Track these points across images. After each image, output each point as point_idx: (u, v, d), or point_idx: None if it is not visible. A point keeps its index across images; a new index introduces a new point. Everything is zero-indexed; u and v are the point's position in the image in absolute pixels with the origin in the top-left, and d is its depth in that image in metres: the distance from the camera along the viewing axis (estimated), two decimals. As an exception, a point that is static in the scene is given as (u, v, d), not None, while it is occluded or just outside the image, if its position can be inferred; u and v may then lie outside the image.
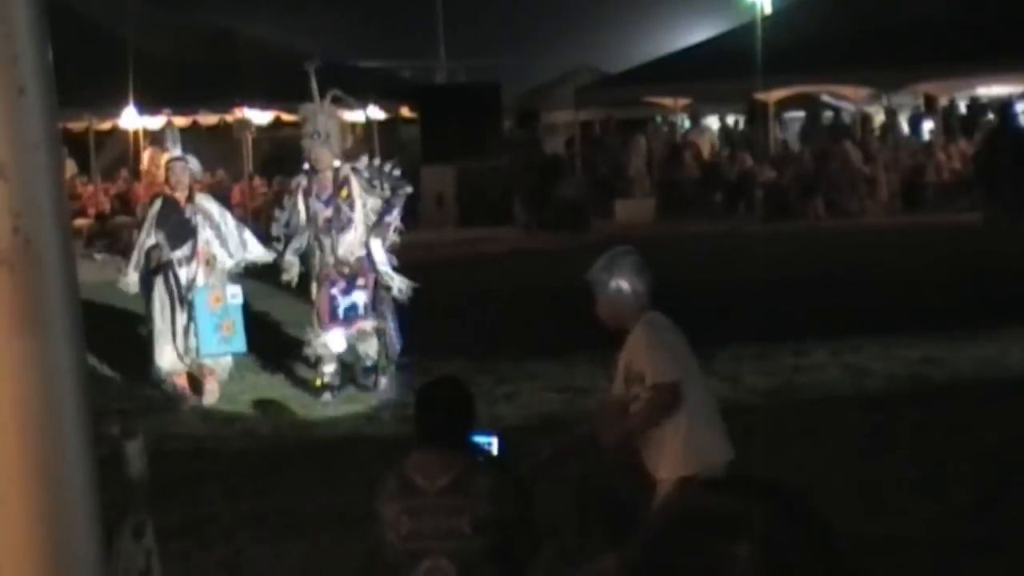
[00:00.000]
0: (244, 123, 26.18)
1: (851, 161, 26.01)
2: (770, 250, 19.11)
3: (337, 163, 10.69)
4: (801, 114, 31.72)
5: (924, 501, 7.16)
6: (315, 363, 10.67)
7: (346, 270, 10.49)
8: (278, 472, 8.60)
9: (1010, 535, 6.51)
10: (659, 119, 33.13)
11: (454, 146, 24.27)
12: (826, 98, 31.77)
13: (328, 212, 10.52)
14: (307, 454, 9.06)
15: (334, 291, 10.51)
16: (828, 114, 31.84)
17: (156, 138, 26.76)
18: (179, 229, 10.66)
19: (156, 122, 25.79)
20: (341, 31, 38.67)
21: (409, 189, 10.91)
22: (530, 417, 9.61)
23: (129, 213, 24.48)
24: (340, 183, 10.59)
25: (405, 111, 27.94)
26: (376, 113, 27.79)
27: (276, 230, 10.87)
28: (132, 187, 25.40)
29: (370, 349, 10.59)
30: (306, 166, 10.72)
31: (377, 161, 11.05)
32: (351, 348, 10.56)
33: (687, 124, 33.27)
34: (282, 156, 28.98)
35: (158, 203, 10.89)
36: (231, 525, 7.52)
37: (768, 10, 31.79)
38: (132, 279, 10.77)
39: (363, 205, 10.55)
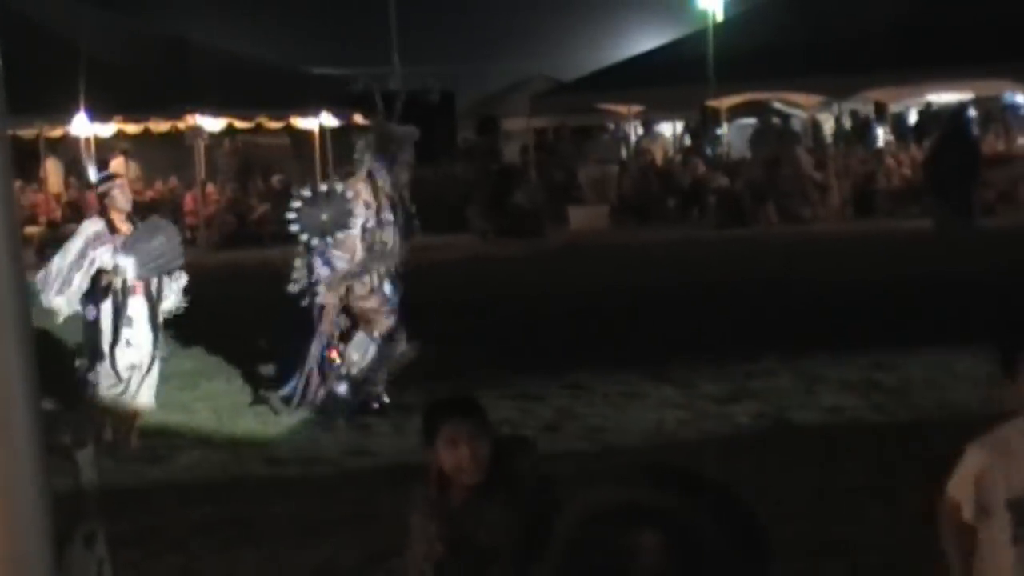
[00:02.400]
0: (196, 130, 26.05)
1: (802, 168, 26.17)
2: (723, 256, 19.21)
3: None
4: (753, 121, 31.88)
5: (877, 506, 7.20)
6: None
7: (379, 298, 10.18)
8: (231, 480, 8.56)
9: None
10: (613, 127, 33.24)
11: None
12: (777, 105, 31.96)
13: (388, 234, 10.22)
14: (261, 462, 9.03)
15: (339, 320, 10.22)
16: (779, 121, 32.01)
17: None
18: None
19: (108, 129, 25.66)
20: (294, 38, 38.57)
21: (416, 222, 10.65)
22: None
23: (80, 221, 24.38)
24: (392, 204, 10.24)
25: (358, 118, 27.90)
26: (329, 120, 27.74)
27: (304, 232, 10.18)
28: (83, 195, 25.23)
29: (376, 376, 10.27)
30: (380, 183, 10.18)
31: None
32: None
33: (640, 131, 33.38)
34: (238, 163, 28.92)
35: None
36: (184, 534, 7.48)
37: (720, 17, 31.92)
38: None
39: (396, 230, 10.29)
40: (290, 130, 28.83)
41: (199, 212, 26.35)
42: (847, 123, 30.63)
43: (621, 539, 1.73)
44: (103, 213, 9.77)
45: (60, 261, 9.62)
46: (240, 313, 13.76)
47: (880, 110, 30.02)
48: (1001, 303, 13.35)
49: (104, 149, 26.34)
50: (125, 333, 9.58)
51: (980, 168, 21.98)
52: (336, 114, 27.62)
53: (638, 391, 10.38)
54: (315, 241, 9.98)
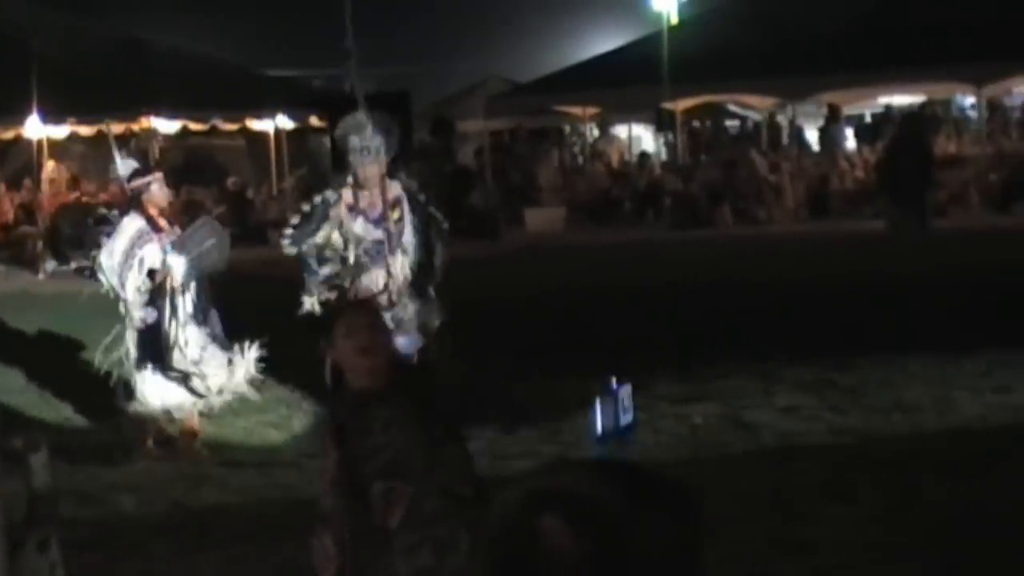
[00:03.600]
0: (151, 132, 25.92)
1: (757, 170, 26.31)
2: (679, 258, 19.28)
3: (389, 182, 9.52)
4: (709, 123, 32.04)
5: (832, 505, 7.26)
6: None
7: (387, 296, 9.36)
8: (190, 482, 8.53)
9: (916, 539, 6.63)
10: (569, 128, 33.31)
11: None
12: (733, 107, 32.13)
13: (378, 234, 9.42)
14: (220, 464, 9.00)
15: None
16: (734, 123, 32.19)
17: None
18: None
19: (60, 131, 25.49)
20: (250, 39, 38.44)
21: (445, 226, 9.78)
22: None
23: (33, 223, 24.19)
24: (392, 203, 9.44)
25: (314, 120, 27.84)
26: (285, 122, 27.66)
27: (293, 246, 9.51)
28: (37, 197, 25.06)
29: None
30: (349, 179, 9.45)
31: (416, 185, 9.83)
32: None
33: (596, 133, 33.47)
34: (190, 166, 28.79)
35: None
36: (142, 536, 7.46)
37: (675, 20, 32.03)
38: None
39: (413, 230, 9.48)
40: (245, 132, 28.73)
41: (154, 214, 26.18)
42: (802, 125, 30.80)
43: (526, 526, 1.77)
44: (141, 210, 9.30)
45: (107, 262, 9.22)
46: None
47: (834, 112, 30.20)
48: (952, 304, 13.48)
49: (57, 151, 26.19)
50: (181, 336, 9.25)
51: (932, 170, 22.16)
52: (292, 116, 27.55)
53: (594, 391, 10.41)
54: (298, 249, 9.49)
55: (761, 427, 9.11)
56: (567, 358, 11.68)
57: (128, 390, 9.34)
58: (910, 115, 25.89)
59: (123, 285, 9.19)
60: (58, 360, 12.21)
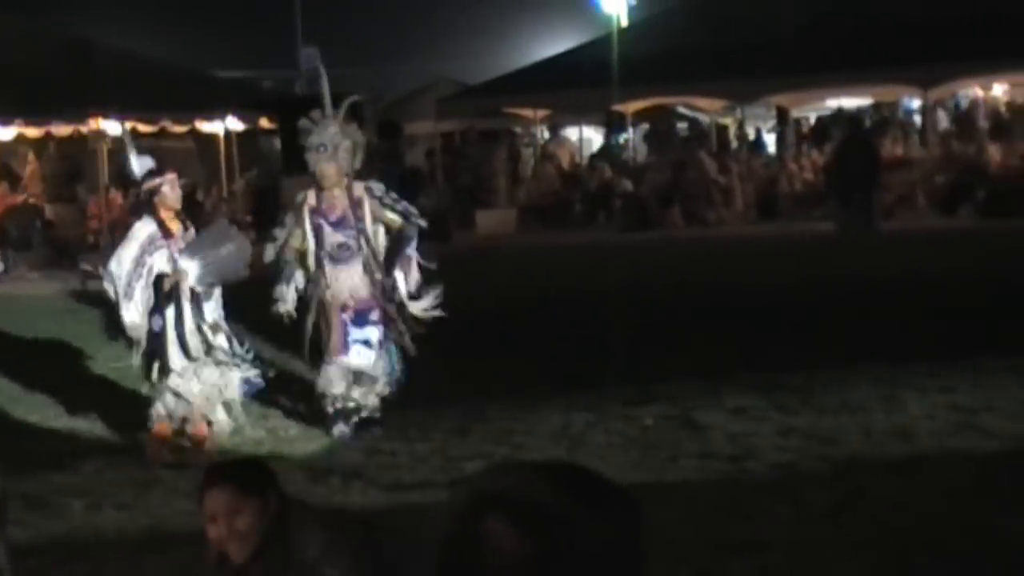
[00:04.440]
0: (99, 134, 25.74)
1: (707, 172, 26.44)
2: (629, 259, 19.36)
3: (352, 183, 9.38)
4: (658, 125, 32.16)
5: (780, 505, 7.31)
6: (319, 402, 9.40)
7: (352, 302, 9.26)
8: (139, 487, 8.49)
9: (863, 538, 6.69)
10: (519, 130, 33.36)
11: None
12: (682, 109, 32.27)
13: (340, 237, 9.25)
14: (169, 467, 8.96)
15: (345, 317, 9.27)
16: (684, 125, 32.33)
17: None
18: None
19: (7, 133, 25.28)
20: (199, 41, 38.26)
21: (422, 222, 9.56)
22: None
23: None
24: (354, 205, 9.27)
25: (264, 122, 27.73)
26: (235, 124, 27.54)
27: (271, 254, 9.37)
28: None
29: (359, 394, 9.32)
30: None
31: (382, 186, 9.61)
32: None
33: (547, 135, 33.53)
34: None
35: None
36: (90, 541, 7.42)
37: (624, 22, 32.14)
38: None
39: (374, 232, 9.31)
40: (195, 134, 28.58)
41: (103, 217, 26.04)
42: (750, 127, 30.99)
43: (470, 529, 1.77)
44: (152, 212, 9.03)
45: (116, 269, 8.90)
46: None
47: (782, 115, 30.40)
48: (899, 305, 13.61)
49: (5, 153, 25.98)
50: (191, 343, 8.97)
51: (880, 172, 22.35)
52: (242, 118, 27.43)
53: (546, 393, 10.45)
54: (275, 254, 9.33)
55: (711, 428, 9.16)
56: (518, 360, 11.71)
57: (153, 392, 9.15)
58: (856, 118, 26.09)
59: (129, 295, 8.87)
60: (6, 364, 12.13)
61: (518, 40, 42.09)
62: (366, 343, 9.29)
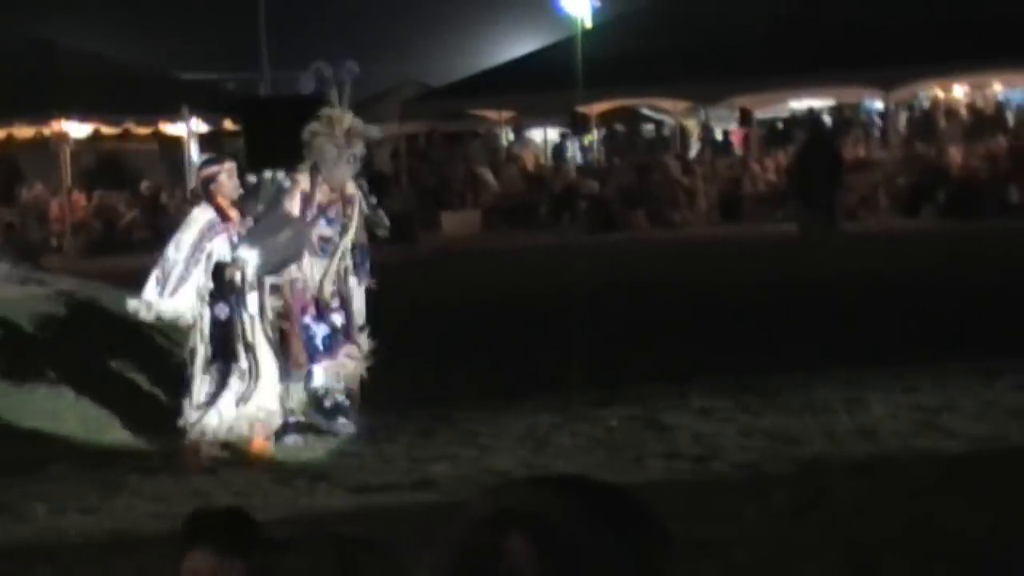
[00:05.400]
0: (62, 136, 25.62)
1: (671, 173, 26.53)
2: (593, 261, 19.39)
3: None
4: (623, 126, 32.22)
5: (746, 505, 7.35)
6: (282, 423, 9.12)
7: (320, 297, 9.20)
8: (105, 490, 8.46)
9: (828, 538, 6.73)
10: (484, 132, 33.37)
11: (279, 159, 24.01)
12: (647, 111, 32.36)
13: (329, 232, 9.21)
14: (134, 470, 8.93)
15: (307, 320, 9.13)
16: (649, 127, 32.40)
17: None
18: None
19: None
20: (163, 42, 38.10)
21: (384, 232, 9.63)
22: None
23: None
24: (346, 201, 9.27)
25: (228, 124, 27.65)
26: (199, 126, 27.46)
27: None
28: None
29: (352, 380, 9.25)
30: (303, 168, 9.18)
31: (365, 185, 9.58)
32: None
33: (511, 137, 33.56)
34: (103, 169, 28.50)
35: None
36: (55, 545, 7.39)
37: (588, 24, 32.19)
38: None
39: (355, 231, 9.27)
40: (159, 136, 28.49)
41: (65, 219, 25.92)
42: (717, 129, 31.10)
43: (491, 544, 1.73)
44: (209, 199, 8.94)
45: (174, 255, 8.78)
46: (110, 323, 13.56)
47: (745, 116, 30.52)
48: (863, 305, 13.69)
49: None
50: (250, 336, 8.77)
51: (842, 173, 22.47)
52: (206, 119, 27.36)
53: (512, 395, 10.46)
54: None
55: (676, 428, 9.19)
56: (484, 361, 11.72)
57: (188, 393, 8.97)
58: (819, 119, 26.24)
59: (185, 279, 8.74)
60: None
61: (482, 42, 42.11)
62: (331, 334, 9.20)
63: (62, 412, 10.58)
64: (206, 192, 9.00)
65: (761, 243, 21.44)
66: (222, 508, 4.41)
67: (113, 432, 10.12)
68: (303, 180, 9.19)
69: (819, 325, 12.62)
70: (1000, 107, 28.50)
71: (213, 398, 8.87)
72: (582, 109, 28.74)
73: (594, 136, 30.92)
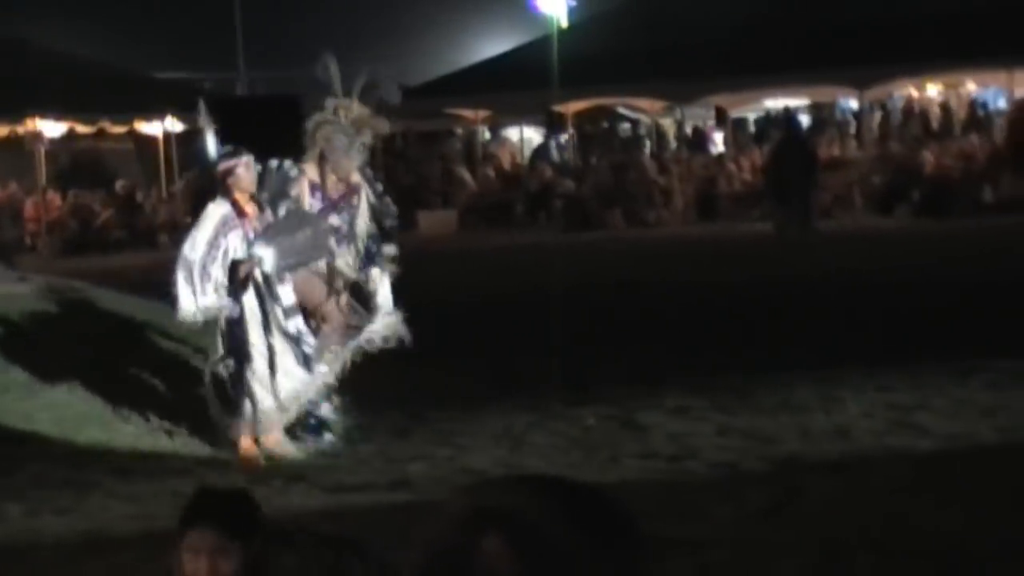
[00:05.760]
0: (36, 135, 25.53)
1: (647, 172, 26.56)
2: (570, 261, 19.40)
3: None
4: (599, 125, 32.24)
5: (720, 504, 7.37)
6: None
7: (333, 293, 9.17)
8: (79, 491, 8.43)
9: (802, 537, 6.75)
10: (460, 131, 33.38)
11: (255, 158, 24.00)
12: (623, 110, 32.40)
13: (337, 221, 9.19)
14: (106, 471, 8.91)
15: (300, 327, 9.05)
16: (625, 126, 32.43)
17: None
18: None
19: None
20: (139, 41, 37.97)
21: (392, 221, 9.59)
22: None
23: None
24: (351, 190, 9.24)
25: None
26: (174, 125, 27.39)
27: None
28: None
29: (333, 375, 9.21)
30: (308, 159, 9.16)
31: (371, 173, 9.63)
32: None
33: (488, 136, 33.56)
34: (78, 168, 28.39)
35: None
36: (29, 546, 7.36)
37: (564, 23, 32.19)
38: None
39: (364, 220, 9.29)
40: (134, 135, 28.40)
41: (40, 218, 25.82)
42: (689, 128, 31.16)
43: (467, 544, 1.73)
44: (226, 194, 8.76)
45: (190, 253, 8.59)
46: (85, 322, 13.52)
47: (720, 115, 30.58)
48: (837, 304, 13.75)
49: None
50: (266, 335, 8.68)
51: (817, 172, 22.54)
52: (181, 118, 27.28)
53: (488, 394, 10.47)
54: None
55: (651, 428, 9.21)
56: (460, 361, 11.72)
57: (222, 394, 8.86)
58: (794, 118, 26.32)
59: (206, 277, 8.58)
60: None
61: (458, 41, 42.09)
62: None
63: (35, 412, 10.54)
64: (223, 186, 8.83)
65: (737, 242, 21.50)
66: (227, 488, 4.34)
67: (88, 432, 10.08)
68: (310, 170, 9.13)
69: (794, 324, 12.67)
70: (973, 107, 28.62)
71: (236, 397, 8.79)
72: (558, 108, 28.75)
73: (570, 135, 30.94)
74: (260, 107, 28.15)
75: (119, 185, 27.29)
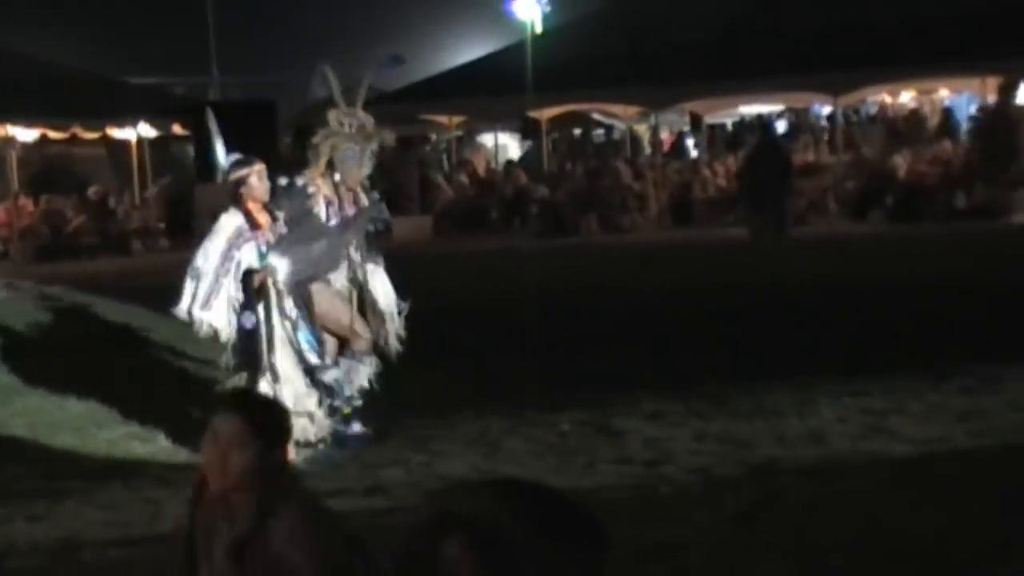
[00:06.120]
0: (8, 140, 25.41)
1: (622, 178, 26.60)
2: (544, 266, 19.41)
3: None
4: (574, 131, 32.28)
5: (697, 509, 7.38)
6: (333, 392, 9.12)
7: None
8: (53, 497, 8.39)
9: (779, 541, 6.77)
10: (435, 137, 33.38)
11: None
12: (597, 116, 32.45)
13: (354, 235, 9.20)
14: (81, 478, 8.87)
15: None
16: (599, 132, 32.48)
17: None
18: None
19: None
20: (111, 46, 37.85)
21: (382, 225, 9.49)
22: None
23: None
24: (356, 197, 9.25)
25: (177, 128, 27.51)
26: (147, 130, 27.31)
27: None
28: None
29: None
30: (337, 176, 9.06)
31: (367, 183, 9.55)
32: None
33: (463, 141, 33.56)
34: (50, 174, 28.26)
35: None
36: (2, 551, 7.32)
37: (539, 29, 32.24)
38: None
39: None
40: (106, 140, 28.29)
41: (12, 224, 25.69)
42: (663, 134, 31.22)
43: (429, 548, 1.75)
44: (238, 204, 8.61)
45: (203, 264, 8.47)
46: (59, 328, 13.48)
47: (695, 121, 30.65)
48: (813, 309, 13.78)
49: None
50: (278, 342, 8.61)
51: (792, 178, 22.62)
52: (154, 124, 27.21)
53: (463, 399, 10.46)
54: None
55: (627, 433, 9.21)
56: (435, 366, 11.70)
57: None
58: (768, 124, 26.41)
59: (217, 291, 8.47)
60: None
61: (433, 47, 42.08)
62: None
63: (9, 419, 10.50)
64: (235, 196, 8.70)
65: (712, 247, 21.54)
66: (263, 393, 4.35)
67: (62, 437, 10.04)
68: (323, 186, 9.04)
69: (769, 329, 12.69)
70: (946, 113, 28.76)
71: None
72: (533, 114, 28.76)
73: (545, 141, 30.96)
74: (235, 112, 28.14)
75: (91, 191, 27.17)
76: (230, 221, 8.59)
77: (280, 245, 8.64)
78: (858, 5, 26.45)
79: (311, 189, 8.98)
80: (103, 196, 27.20)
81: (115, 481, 8.75)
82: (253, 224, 8.62)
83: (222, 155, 8.96)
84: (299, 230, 8.80)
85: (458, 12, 43.60)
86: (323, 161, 9.04)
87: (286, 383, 8.75)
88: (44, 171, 28.41)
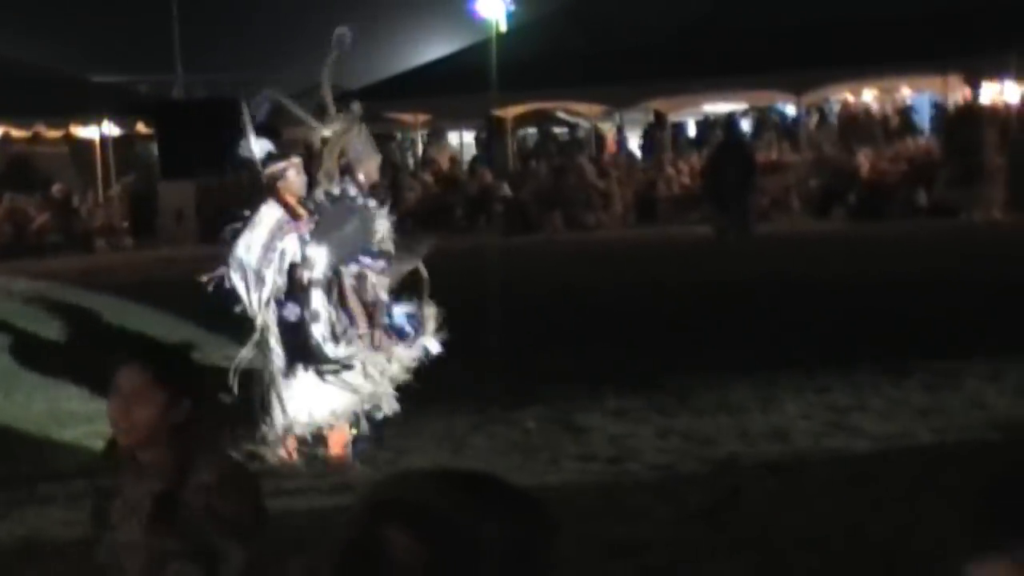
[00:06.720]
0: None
1: (586, 176, 26.64)
2: (510, 263, 19.43)
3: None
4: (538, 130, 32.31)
5: (661, 506, 7.41)
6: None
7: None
8: (15, 495, 8.36)
9: (743, 537, 6.81)
10: (400, 135, 33.34)
11: (193, 162, 23.94)
12: (562, 114, 32.49)
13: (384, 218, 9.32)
14: (44, 476, 8.83)
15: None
16: (563, 130, 32.52)
17: None
18: None
19: None
20: (74, 44, 37.63)
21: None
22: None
23: None
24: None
25: (141, 127, 27.40)
26: (111, 129, 27.19)
27: None
28: None
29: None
30: (361, 176, 9.07)
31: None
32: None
33: (427, 140, 33.54)
34: (13, 172, 28.10)
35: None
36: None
37: (504, 28, 32.25)
38: None
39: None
40: (70, 139, 28.16)
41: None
42: (633, 132, 31.30)
43: (371, 536, 1.75)
44: (277, 198, 8.61)
45: (245, 255, 8.45)
46: (22, 320, 13.42)
47: (660, 119, 30.73)
48: (775, 305, 13.85)
49: None
50: (327, 334, 8.55)
51: (755, 176, 22.71)
52: (118, 122, 27.10)
53: (428, 398, 10.46)
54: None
55: (591, 430, 9.24)
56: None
57: (265, 402, 8.64)
58: (732, 122, 26.51)
59: (261, 282, 8.46)
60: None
61: (397, 45, 42.03)
62: None
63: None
64: (272, 189, 8.70)
65: (676, 245, 21.61)
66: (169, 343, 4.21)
67: (25, 435, 10.01)
68: (350, 190, 8.99)
69: (733, 326, 12.76)
70: (907, 111, 28.92)
71: (294, 399, 8.66)
72: (497, 112, 28.78)
73: (510, 139, 30.98)
74: (199, 110, 28.05)
75: (55, 189, 27.03)
76: (271, 213, 8.57)
77: (316, 234, 8.63)
78: (821, 4, 26.58)
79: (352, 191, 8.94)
80: (67, 194, 27.06)
81: (78, 479, 8.71)
82: (293, 216, 8.62)
83: (256, 148, 8.88)
84: (329, 214, 8.76)
85: (423, 11, 43.56)
86: (333, 162, 9.00)
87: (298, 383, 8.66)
88: (7, 169, 28.26)
